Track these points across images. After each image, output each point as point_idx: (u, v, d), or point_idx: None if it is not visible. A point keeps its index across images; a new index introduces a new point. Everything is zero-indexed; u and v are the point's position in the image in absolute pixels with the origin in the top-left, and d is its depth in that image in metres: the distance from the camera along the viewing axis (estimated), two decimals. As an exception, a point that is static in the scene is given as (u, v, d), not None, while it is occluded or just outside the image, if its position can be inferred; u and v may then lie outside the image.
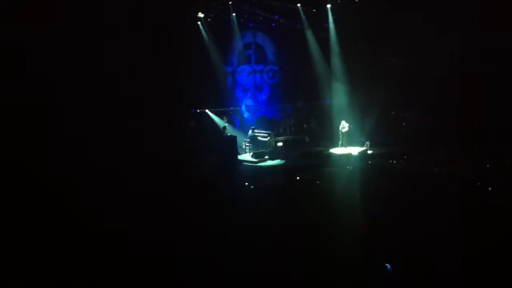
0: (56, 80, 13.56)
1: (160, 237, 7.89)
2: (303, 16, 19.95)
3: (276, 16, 20.10)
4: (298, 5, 19.59)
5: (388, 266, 6.67)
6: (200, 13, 18.81)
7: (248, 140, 17.37)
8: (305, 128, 20.34)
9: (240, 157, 16.66)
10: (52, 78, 13.54)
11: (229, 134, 17.03)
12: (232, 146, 16.23)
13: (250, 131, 17.52)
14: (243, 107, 21.26)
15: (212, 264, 7.00)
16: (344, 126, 17.41)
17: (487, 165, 12.83)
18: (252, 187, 12.26)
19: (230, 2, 18.75)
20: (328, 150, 17.15)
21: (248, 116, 21.08)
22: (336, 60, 20.02)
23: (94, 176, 11.46)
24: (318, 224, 8.55)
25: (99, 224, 8.47)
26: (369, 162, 15.14)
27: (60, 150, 12.74)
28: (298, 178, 13.13)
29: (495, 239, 7.35)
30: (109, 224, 8.51)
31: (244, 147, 17.48)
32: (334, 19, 19.96)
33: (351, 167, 14.28)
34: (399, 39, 18.35)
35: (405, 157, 14.77)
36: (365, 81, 19.10)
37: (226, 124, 18.04)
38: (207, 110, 19.00)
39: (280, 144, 17.68)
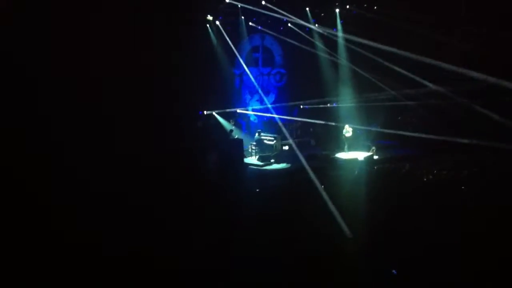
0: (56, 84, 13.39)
1: (159, 241, 7.92)
2: (311, 20, 20.00)
3: (285, 20, 20.14)
4: (307, 9, 19.66)
5: (394, 272, 6.67)
6: (209, 15, 18.91)
7: (255, 143, 17.41)
8: (311, 131, 20.32)
9: (246, 160, 16.69)
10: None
11: (236, 137, 17.06)
12: (238, 149, 16.26)
13: (257, 134, 17.56)
14: (250, 110, 21.29)
15: (217, 271, 7.02)
16: (348, 130, 17.32)
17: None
18: (257, 190, 12.28)
19: (239, 5, 18.83)
20: (334, 154, 17.13)
21: (255, 119, 21.10)
22: (343, 64, 20.03)
23: (89, 178, 11.18)
24: (322, 227, 8.57)
25: (98, 234, 8.27)
26: (375, 167, 15.10)
27: (53, 153, 12.44)
28: (303, 181, 13.12)
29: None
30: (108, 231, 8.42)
31: (250, 150, 17.51)
32: (342, 23, 20.02)
33: (356, 172, 14.26)
34: (406, 42, 18.32)
35: (411, 162, 14.71)
36: (372, 85, 19.07)
37: (233, 127, 18.06)
38: (214, 113, 19.04)
39: (286, 147, 17.70)
